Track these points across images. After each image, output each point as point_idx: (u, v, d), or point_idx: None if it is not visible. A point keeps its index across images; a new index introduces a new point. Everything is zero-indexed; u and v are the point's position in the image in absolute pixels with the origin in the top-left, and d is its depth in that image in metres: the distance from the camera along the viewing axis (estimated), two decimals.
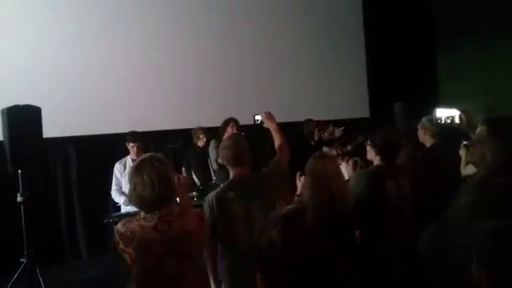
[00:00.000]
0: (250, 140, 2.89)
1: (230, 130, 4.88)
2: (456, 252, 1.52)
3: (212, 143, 5.13)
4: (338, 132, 6.00)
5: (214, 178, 5.09)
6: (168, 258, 2.01)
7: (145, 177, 2.01)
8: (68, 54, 5.29)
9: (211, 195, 2.70)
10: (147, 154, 2.17)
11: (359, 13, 7.67)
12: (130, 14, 5.73)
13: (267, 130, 3.01)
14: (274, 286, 1.10)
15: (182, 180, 2.36)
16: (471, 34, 7.18)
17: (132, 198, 2.09)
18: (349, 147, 5.67)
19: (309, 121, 5.96)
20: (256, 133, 3.21)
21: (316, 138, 5.86)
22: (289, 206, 1.23)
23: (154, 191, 2.00)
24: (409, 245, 2.61)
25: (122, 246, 2.03)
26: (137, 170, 2.06)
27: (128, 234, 2.01)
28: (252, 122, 3.21)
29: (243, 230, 2.60)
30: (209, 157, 5.17)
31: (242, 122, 5.02)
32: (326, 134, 5.92)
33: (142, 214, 2.08)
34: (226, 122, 4.99)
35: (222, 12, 6.37)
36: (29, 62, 5.02)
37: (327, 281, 1.08)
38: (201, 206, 3.32)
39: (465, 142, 3.81)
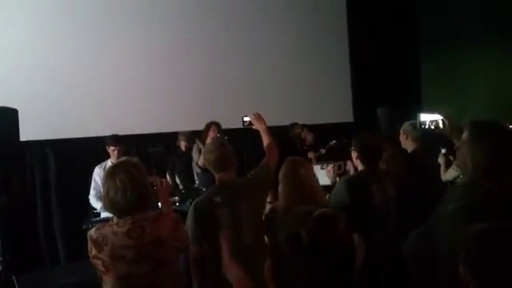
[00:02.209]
0: (234, 143, 2.86)
1: (211, 134, 4.84)
2: (442, 257, 1.51)
3: (195, 147, 5.09)
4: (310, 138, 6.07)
5: (196, 182, 5.04)
6: (141, 265, 1.97)
7: (117, 181, 1.98)
8: (46, 56, 5.18)
9: (197, 201, 2.65)
10: (122, 159, 2.15)
11: (343, 17, 7.71)
12: (111, 17, 5.65)
13: (255, 132, 2.98)
14: (284, 276, 1.10)
15: (164, 184, 2.32)
16: (455, 38, 7.28)
17: (105, 203, 2.06)
18: (322, 151, 5.77)
19: (294, 125, 5.97)
20: (240, 136, 3.17)
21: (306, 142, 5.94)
22: (323, 209, 1.23)
23: (126, 196, 1.97)
24: (393, 249, 2.60)
25: (94, 252, 1.99)
26: (110, 175, 2.04)
27: (100, 239, 1.98)
28: (234, 125, 3.17)
29: (230, 235, 2.56)
30: (193, 160, 5.12)
31: (226, 126, 4.97)
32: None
33: (115, 219, 2.04)
34: (208, 126, 4.96)
35: (207, 15, 6.32)
36: (6, 63, 4.90)
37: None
38: (181, 212, 3.27)
39: (443, 151, 3.87)
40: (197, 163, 4.89)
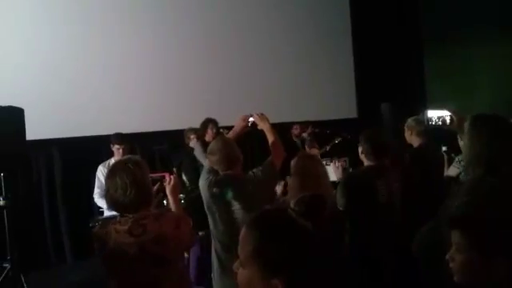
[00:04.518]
0: (240, 141, 2.89)
1: (209, 132, 4.78)
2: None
3: (197, 147, 4.73)
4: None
5: None
6: (143, 263, 1.99)
7: (118, 179, 2.01)
8: (52, 55, 5.19)
9: (203, 183, 2.74)
10: (124, 157, 2.18)
11: (346, 12, 7.67)
12: (114, 16, 5.65)
13: (260, 132, 2.99)
14: None
15: (173, 181, 2.32)
16: (458, 34, 7.23)
17: (107, 201, 2.11)
18: (327, 148, 5.76)
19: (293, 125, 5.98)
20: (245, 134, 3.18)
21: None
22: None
23: (126, 194, 1.99)
24: (398, 244, 2.61)
25: (98, 249, 2.05)
26: (111, 173, 2.07)
27: (103, 237, 2.03)
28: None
29: (224, 228, 2.66)
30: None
31: (231, 123, 4.94)
32: (305, 134, 5.98)
33: (119, 217, 2.07)
34: (205, 124, 4.83)
35: (211, 13, 6.31)
36: (12, 62, 4.92)
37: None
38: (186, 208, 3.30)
39: (444, 148, 3.88)
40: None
